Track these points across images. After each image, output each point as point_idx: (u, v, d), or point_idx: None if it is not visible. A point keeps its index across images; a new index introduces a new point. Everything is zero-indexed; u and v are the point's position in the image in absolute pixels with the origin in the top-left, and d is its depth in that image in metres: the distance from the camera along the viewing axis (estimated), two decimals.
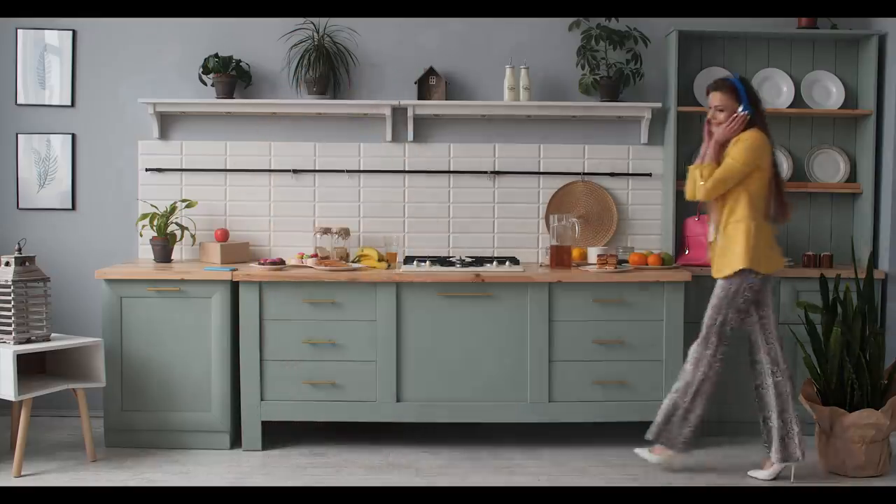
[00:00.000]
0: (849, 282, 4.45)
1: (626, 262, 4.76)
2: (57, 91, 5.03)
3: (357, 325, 4.47)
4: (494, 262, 4.65)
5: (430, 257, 4.83)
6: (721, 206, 4.10)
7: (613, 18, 4.95)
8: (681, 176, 5.02)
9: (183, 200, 4.94)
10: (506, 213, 5.08)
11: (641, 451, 4.23)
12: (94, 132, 5.05)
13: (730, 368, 4.68)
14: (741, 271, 4.01)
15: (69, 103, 5.03)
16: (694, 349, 4.13)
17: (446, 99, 4.97)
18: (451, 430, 4.73)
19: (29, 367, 4.45)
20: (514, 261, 4.77)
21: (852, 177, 5.04)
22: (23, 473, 4.13)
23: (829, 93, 5.02)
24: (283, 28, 4.96)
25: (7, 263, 4.22)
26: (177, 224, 4.89)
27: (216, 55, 4.91)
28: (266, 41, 5.00)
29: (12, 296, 4.17)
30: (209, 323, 4.46)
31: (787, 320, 4.65)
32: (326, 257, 4.73)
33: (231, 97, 4.91)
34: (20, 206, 5.05)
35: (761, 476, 4.13)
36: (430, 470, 4.25)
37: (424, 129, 5.06)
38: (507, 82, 4.92)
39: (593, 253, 4.79)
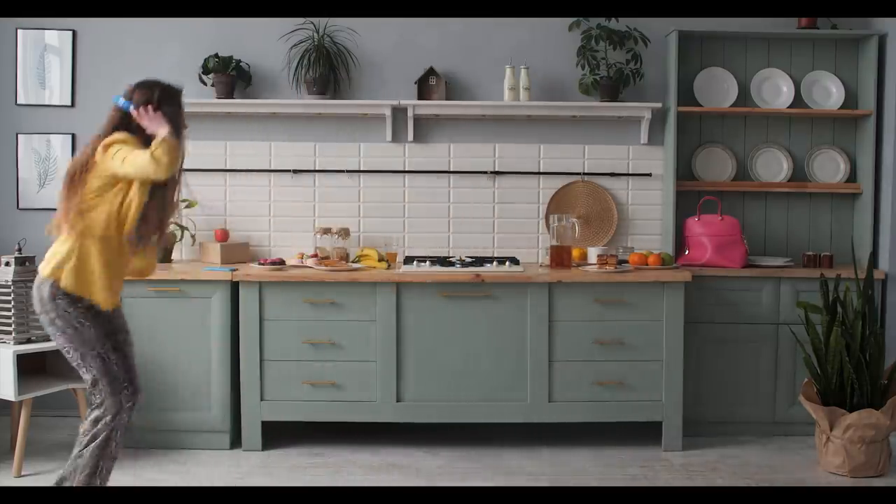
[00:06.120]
0: (849, 282, 4.44)
1: (626, 262, 4.75)
2: (57, 91, 5.02)
3: (357, 326, 4.46)
4: (494, 262, 4.65)
5: (430, 257, 4.83)
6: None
7: (613, 18, 4.95)
8: (681, 176, 5.03)
9: (183, 200, 4.92)
10: (506, 213, 5.08)
11: None
12: (94, 132, 5.03)
13: (730, 368, 4.70)
14: None
15: (69, 103, 5.03)
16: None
17: (446, 99, 4.96)
18: (450, 431, 4.72)
19: (29, 367, 4.45)
20: (514, 261, 4.76)
21: (852, 177, 5.04)
22: (23, 473, 4.13)
23: (829, 93, 5.01)
24: (283, 28, 4.96)
25: (7, 263, 4.23)
26: (177, 224, 4.89)
27: (216, 55, 4.91)
28: (266, 41, 4.99)
29: (12, 296, 4.17)
30: (209, 323, 4.46)
31: (787, 320, 4.65)
32: (326, 257, 4.73)
33: (231, 97, 4.91)
34: (20, 206, 5.05)
35: None
36: (430, 470, 4.25)
37: (424, 129, 5.05)
38: (507, 82, 4.92)
39: (593, 253, 4.79)
